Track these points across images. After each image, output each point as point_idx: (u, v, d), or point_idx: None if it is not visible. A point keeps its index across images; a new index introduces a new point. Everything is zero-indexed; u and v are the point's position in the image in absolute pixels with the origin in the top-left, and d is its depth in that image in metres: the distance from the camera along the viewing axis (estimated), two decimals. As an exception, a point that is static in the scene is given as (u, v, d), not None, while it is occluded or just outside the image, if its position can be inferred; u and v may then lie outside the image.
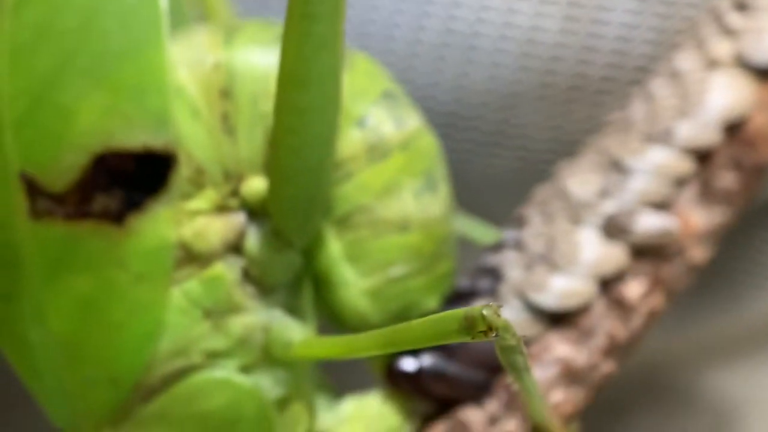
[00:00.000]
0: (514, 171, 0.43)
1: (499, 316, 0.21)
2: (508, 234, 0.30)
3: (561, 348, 0.28)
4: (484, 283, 0.29)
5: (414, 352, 0.28)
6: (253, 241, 0.26)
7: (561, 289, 0.28)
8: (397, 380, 0.28)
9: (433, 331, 0.22)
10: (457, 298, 0.29)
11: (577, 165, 0.30)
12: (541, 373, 0.27)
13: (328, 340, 0.25)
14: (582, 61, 0.40)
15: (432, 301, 0.28)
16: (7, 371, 0.27)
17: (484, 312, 0.21)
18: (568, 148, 0.36)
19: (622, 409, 0.43)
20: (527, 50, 0.39)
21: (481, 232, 0.35)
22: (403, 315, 0.28)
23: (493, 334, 0.21)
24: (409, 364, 0.28)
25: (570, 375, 0.28)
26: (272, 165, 0.25)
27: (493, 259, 0.29)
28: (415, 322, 0.22)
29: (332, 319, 0.28)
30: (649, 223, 0.28)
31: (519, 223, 0.30)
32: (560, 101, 0.42)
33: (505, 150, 0.43)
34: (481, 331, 0.21)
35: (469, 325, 0.21)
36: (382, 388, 0.29)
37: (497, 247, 0.30)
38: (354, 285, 0.27)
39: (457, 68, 0.41)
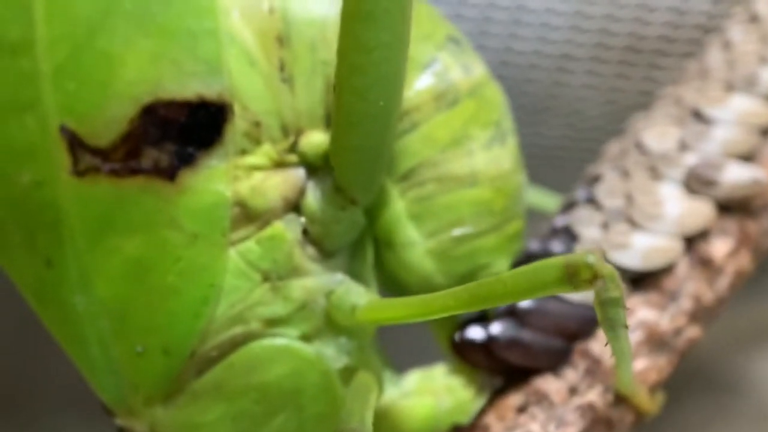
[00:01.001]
0: (565, 139, 0.41)
1: (605, 262, 0.19)
2: (580, 192, 0.27)
3: (644, 311, 0.25)
4: (557, 245, 0.26)
5: (482, 322, 0.26)
6: (313, 198, 0.24)
7: (644, 247, 0.25)
8: (465, 351, 0.26)
9: (528, 283, 0.20)
10: (528, 260, 0.27)
11: (651, 118, 0.28)
12: (622, 339, 0.25)
13: (398, 302, 0.23)
14: (638, 20, 0.38)
15: (501, 264, 0.26)
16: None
17: (590, 259, 0.19)
18: (623, 113, 0.34)
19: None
20: (580, 8, 0.37)
21: (540, 198, 0.33)
22: (469, 278, 0.25)
23: (599, 284, 0.19)
24: (477, 333, 0.26)
25: (654, 340, 0.26)
26: (335, 111, 0.22)
27: (564, 219, 0.27)
28: (506, 275, 0.20)
29: (394, 284, 0.26)
30: (736, 175, 0.26)
31: (591, 180, 0.28)
32: (615, 63, 0.40)
33: (555, 117, 0.42)
34: (585, 280, 0.19)
35: (572, 274, 0.19)
36: (448, 362, 0.27)
37: (568, 206, 0.27)
38: (419, 245, 0.25)
39: (504, 30, 0.39)
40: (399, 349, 0.29)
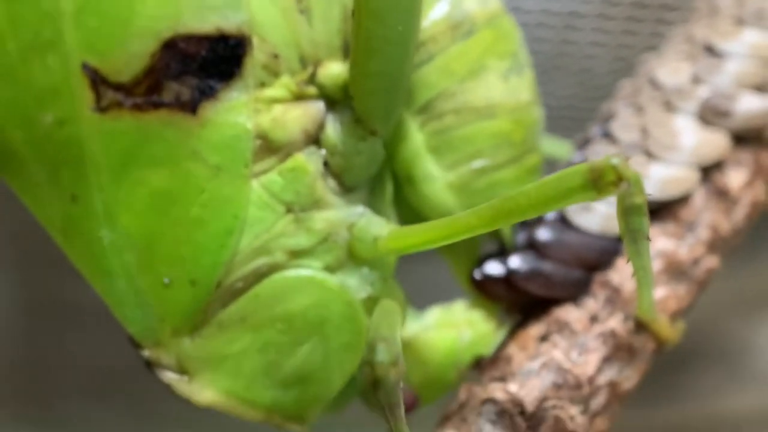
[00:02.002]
0: (575, 98, 0.42)
1: (629, 166, 0.19)
2: (595, 129, 0.27)
3: (662, 241, 0.25)
4: (574, 178, 0.26)
5: (500, 257, 0.26)
6: (333, 130, 0.24)
7: (661, 177, 0.25)
8: (486, 286, 0.26)
9: (552, 192, 0.20)
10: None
11: (663, 56, 0.28)
12: (641, 269, 0.25)
13: (421, 227, 0.23)
14: (645, -24, 0.38)
15: None
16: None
17: (614, 161, 0.19)
18: (631, 70, 0.34)
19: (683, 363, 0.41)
20: (587, -35, 0.37)
21: (555, 146, 0.33)
22: None
23: (623, 186, 0.19)
24: (497, 268, 0.26)
25: (673, 269, 0.26)
26: (354, 37, 0.22)
27: (581, 155, 0.27)
28: (529, 186, 0.20)
29: (414, 219, 0.26)
30: (749, 105, 0.26)
31: (605, 117, 0.28)
32: (622, 19, 0.40)
33: (564, 76, 0.42)
34: (609, 183, 0.19)
35: (596, 177, 0.19)
36: (468, 298, 0.27)
37: (584, 142, 0.27)
38: (439, 179, 0.25)
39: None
40: (418, 293, 0.29)
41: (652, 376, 0.44)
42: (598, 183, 0.19)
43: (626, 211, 0.20)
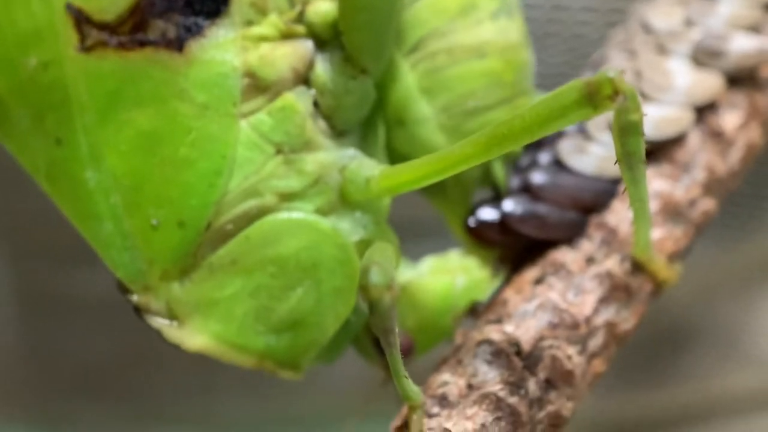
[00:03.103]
0: (566, 66, 0.41)
1: (624, 80, 0.18)
2: (587, 74, 0.27)
3: (658, 182, 0.25)
4: (568, 122, 0.26)
5: (494, 202, 0.26)
6: (322, 69, 0.23)
7: (655, 117, 0.25)
8: (481, 232, 0.25)
9: (548, 112, 0.19)
10: (540, 143, 0.26)
11: (654, 2, 0.28)
12: (637, 211, 0.25)
13: (414, 163, 0.22)
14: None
15: None
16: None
17: (611, 73, 0.18)
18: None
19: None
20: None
21: None
22: None
23: (619, 100, 0.18)
24: (491, 213, 0.25)
25: (669, 210, 0.25)
26: None
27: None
28: (524, 110, 0.20)
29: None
30: (743, 44, 0.25)
31: (597, 63, 0.27)
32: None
33: (556, 43, 0.41)
34: (605, 97, 0.19)
35: (592, 92, 0.18)
36: (462, 247, 0.27)
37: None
38: (431, 120, 0.24)
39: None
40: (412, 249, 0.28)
41: (649, 357, 0.43)
42: (594, 98, 0.19)
43: (622, 131, 0.20)
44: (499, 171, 0.26)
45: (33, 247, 0.41)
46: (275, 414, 0.43)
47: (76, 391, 0.43)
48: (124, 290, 0.23)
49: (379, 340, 0.25)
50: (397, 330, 0.20)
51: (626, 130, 0.20)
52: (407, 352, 0.25)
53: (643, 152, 0.20)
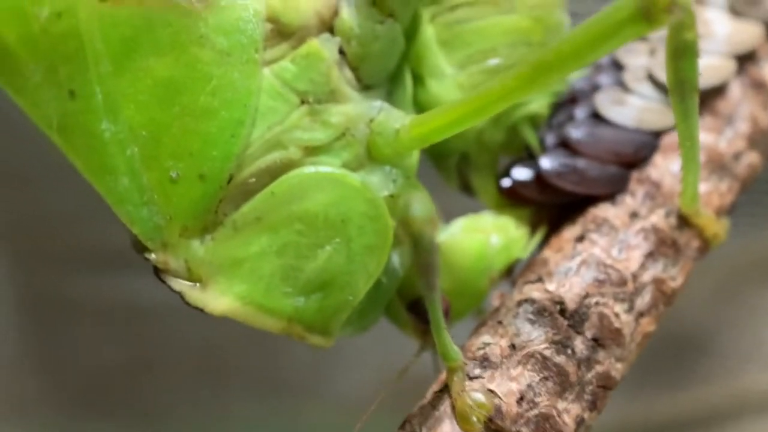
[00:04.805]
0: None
1: None
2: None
3: (701, 135, 0.23)
4: (604, 77, 0.24)
5: (527, 162, 0.25)
6: (348, 15, 0.22)
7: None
8: (516, 191, 0.24)
9: (599, 32, 0.17)
10: (572, 99, 0.25)
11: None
12: (679, 166, 0.23)
13: (448, 106, 0.20)
14: None
15: (539, 104, 0.24)
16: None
17: None
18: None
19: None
20: None
21: None
22: (503, 116, 0.24)
23: (677, 12, 0.17)
24: (525, 173, 0.24)
25: (714, 163, 0.23)
26: None
27: (609, 55, 0.25)
28: (571, 32, 0.18)
29: None
30: (783, -8, 0.25)
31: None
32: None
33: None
34: (661, 9, 0.17)
35: (647, 5, 0.17)
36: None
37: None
38: (449, 76, 0.23)
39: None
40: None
41: (674, 359, 0.42)
42: (649, 11, 0.17)
43: (676, 52, 0.18)
44: (528, 132, 0.25)
45: (36, 253, 0.40)
46: (283, 422, 0.41)
47: (81, 399, 0.41)
48: (141, 248, 0.21)
49: (412, 304, 0.24)
50: (439, 270, 0.19)
51: (680, 51, 0.18)
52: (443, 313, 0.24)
53: (698, 79, 0.18)
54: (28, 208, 0.39)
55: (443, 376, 0.21)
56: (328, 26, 0.22)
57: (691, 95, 0.19)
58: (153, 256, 0.21)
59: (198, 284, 0.21)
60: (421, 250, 0.18)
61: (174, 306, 0.40)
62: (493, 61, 0.23)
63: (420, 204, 0.18)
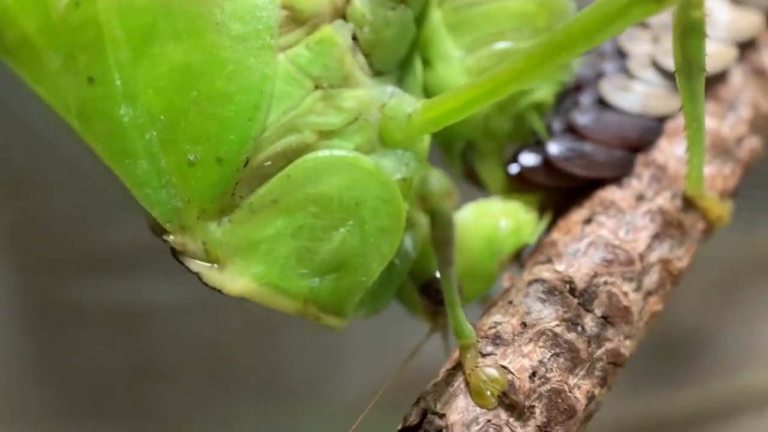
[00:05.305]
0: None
1: None
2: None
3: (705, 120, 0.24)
4: (609, 65, 0.25)
5: (534, 148, 0.25)
6: (360, 2, 0.22)
7: (698, 51, 0.25)
8: (524, 177, 0.24)
9: (609, 11, 0.18)
10: (577, 86, 0.25)
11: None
12: (683, 150, 0.24)
13: (459, 89, 0.21)
14: None
15: (545, 91, 0.24)
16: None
17: None
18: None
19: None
20: None
21: None
22: (510, 102, 0.24)
23: None
24: (532, 158, 0.24)
25: (717, 147, 0.24)
26: None
27: (612, 42, 0.25)
28: (580, 13, 0.18)
29: None
30: (782, -20, 0.25)
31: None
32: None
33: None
34: None
35: None
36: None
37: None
38: (456, 60, 0.23)
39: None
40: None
41: (671, 356, 0.42)
42: None
43: (684, 32, 0.19)
44: (535, 119, 0.25)
45: (38, 257, 0.40)
46: (286, 426, 0.41)
47: (83, 403, 0.41)
48: (159, 231, 0.22)
49: (423, 286, 0.24)
50: (453, 247, 0.19)
51: (688, 31, 0.19)
52: None
53: (704, 60, 0.19)
54: (30, 211, 0.39)
55: (455, 354, 0.22)
56: (341, 13, 0.22)
57: (697, 75, 0.19)
58: (171, 238, 0.21)
59: (215, 265, 0.22)
60: (438, 224, 0.18)
61: (175, 309, 0.40)
62: (500, 45, 0.23)
63: (437, 179, 0.18)
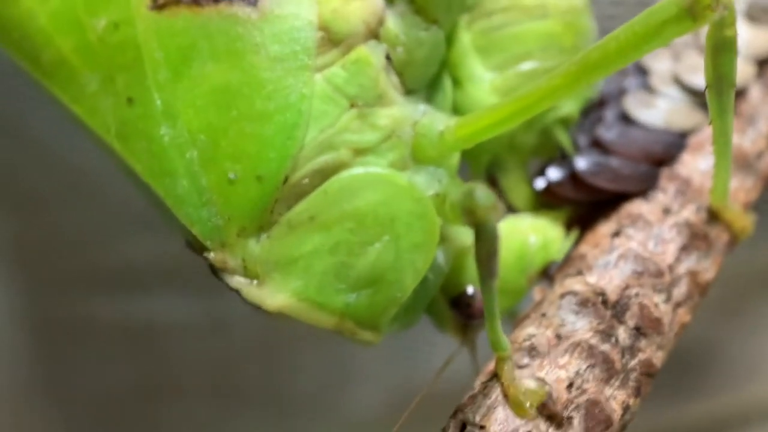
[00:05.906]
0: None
1: None
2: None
3: None
4: (631, 81, 0.25)
5: (559, 162, 0.25)
6: (393, 23, 0.22)
7: (719, 68, 0.25)
8: (551, 191, 0.25)
9: (644, 30, 0.18)
10: (602, 102, 0.26)
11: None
12: (706, 164, 0.24)
13: (493, 107, 0.22)
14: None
15: (570, 107, 0.25)
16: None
17: None
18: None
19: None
20: None
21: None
22: (536, 118, 0.24)
23: (721, 9, 0.18)
24: (559, 173, 0.25)
25: (739, 161, 0.24)
26: None
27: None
28: (616, 31, 0.19)
29: None
30: (798, -1, 0.26)
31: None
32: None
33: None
34: (706, 6, 0.18)
35: (691, 3, 0.18)
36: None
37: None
38: (485, 81, 0.24)
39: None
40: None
41: (680, 369, 0.42)
42: (693, 9, 0.18)
43: (716, 49, 0.19)
44: (561, 134, 0.26)
45: (46, 275, 0.40)
46: None
47: (90, 421, 0.41)
48: (198, 248, 0.22)
49: (454, 300, 0.24)
50: (497, 260, 0.19)
51: (720, 48, 0.19)
52: (482, 313, 0.25)
53: (735, 76, 0.19)
54: (40, 228, 0.39)
55: (490, 367, 0.22)
56: (375, 33, 0.23)
57: (728, 91, 0.20)
58: (212, 255, 0.22)
59: (255, 282, 0.22)
60: (484, 237, 0.19)
61: (185, 327, 0.40)
62: (527, 65, 0.24)
63: (483, 192, 0.19)
